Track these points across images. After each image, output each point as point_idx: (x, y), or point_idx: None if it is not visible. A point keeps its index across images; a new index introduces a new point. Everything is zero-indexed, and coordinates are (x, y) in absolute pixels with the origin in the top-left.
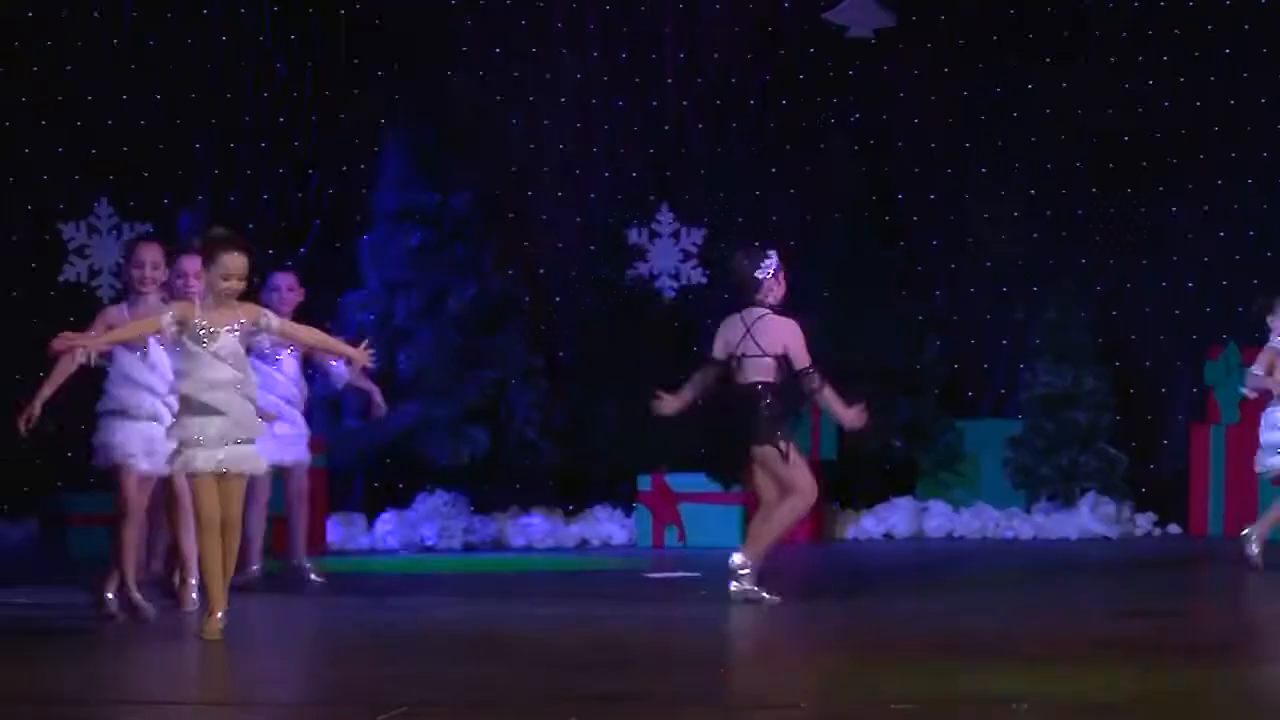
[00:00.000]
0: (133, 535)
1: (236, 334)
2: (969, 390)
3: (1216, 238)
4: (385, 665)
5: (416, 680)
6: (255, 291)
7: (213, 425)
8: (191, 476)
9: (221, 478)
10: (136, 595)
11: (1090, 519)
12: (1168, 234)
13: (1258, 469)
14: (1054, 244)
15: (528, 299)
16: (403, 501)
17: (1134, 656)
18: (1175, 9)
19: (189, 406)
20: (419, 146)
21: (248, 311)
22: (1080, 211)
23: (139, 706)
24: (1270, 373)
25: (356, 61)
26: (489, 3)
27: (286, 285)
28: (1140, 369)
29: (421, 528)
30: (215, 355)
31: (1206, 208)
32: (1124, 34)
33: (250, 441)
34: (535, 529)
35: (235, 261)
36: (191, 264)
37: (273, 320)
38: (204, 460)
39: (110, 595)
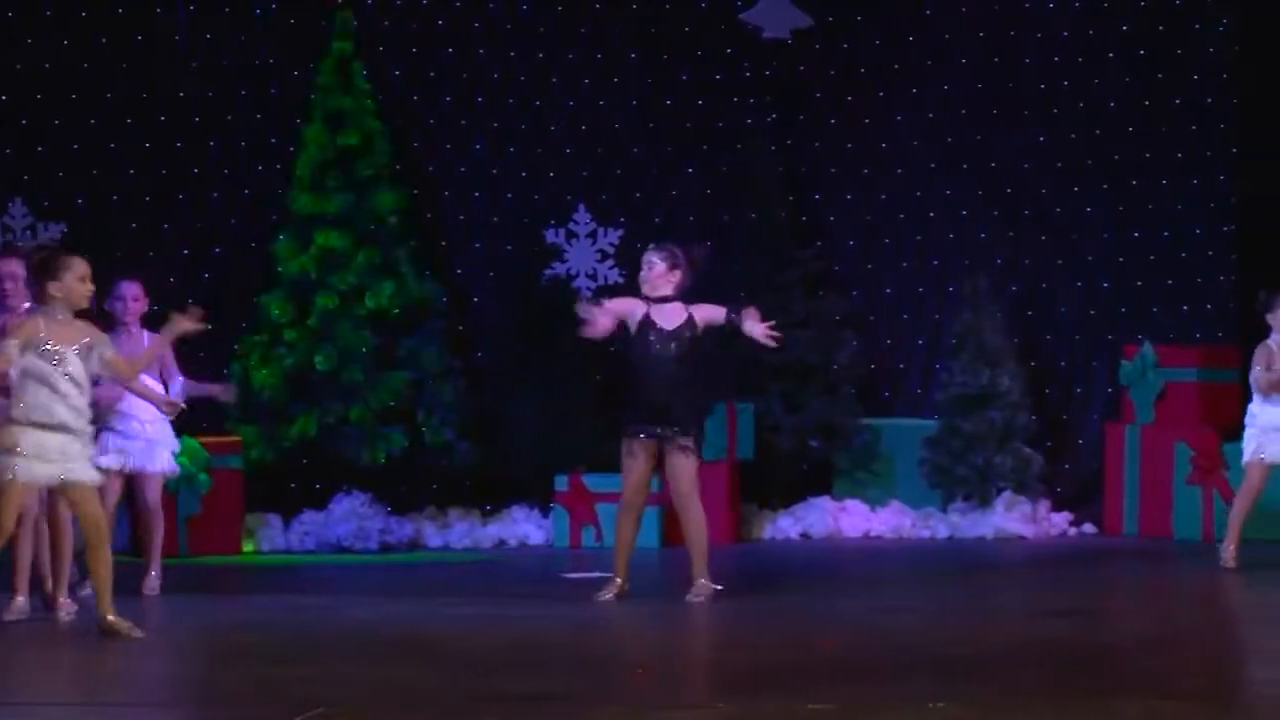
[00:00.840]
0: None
1: (79, 354)
2: (885, 390)
3: (1131, 238)
4: (303, 666)
5: (334, 681)
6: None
7: (53, 439)
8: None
9: (64, 488)
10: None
11: (1006, 518)
12: (1083, 234)
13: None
14: (969, 244)
15: (445, 299)
16: (319, 502)
17: (1051, 655)
18: (1089, 8)
19: (30, 422)
20: (335, 145)
21: (90, 333)
22: (995, 212)
23: (48, 708)
24: (1269, 369)
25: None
26: (405, 2)
27: (132, 295)
28: (1055, 369)
29: (338, 529)
30: (65, 377)
31: (1121, 208)
32: (1039, 35)
33: (85, 453)
34: (452, 529)
35: (86, 265)
36: (8, 266)
37: (107, 351)
38: (42, 472)
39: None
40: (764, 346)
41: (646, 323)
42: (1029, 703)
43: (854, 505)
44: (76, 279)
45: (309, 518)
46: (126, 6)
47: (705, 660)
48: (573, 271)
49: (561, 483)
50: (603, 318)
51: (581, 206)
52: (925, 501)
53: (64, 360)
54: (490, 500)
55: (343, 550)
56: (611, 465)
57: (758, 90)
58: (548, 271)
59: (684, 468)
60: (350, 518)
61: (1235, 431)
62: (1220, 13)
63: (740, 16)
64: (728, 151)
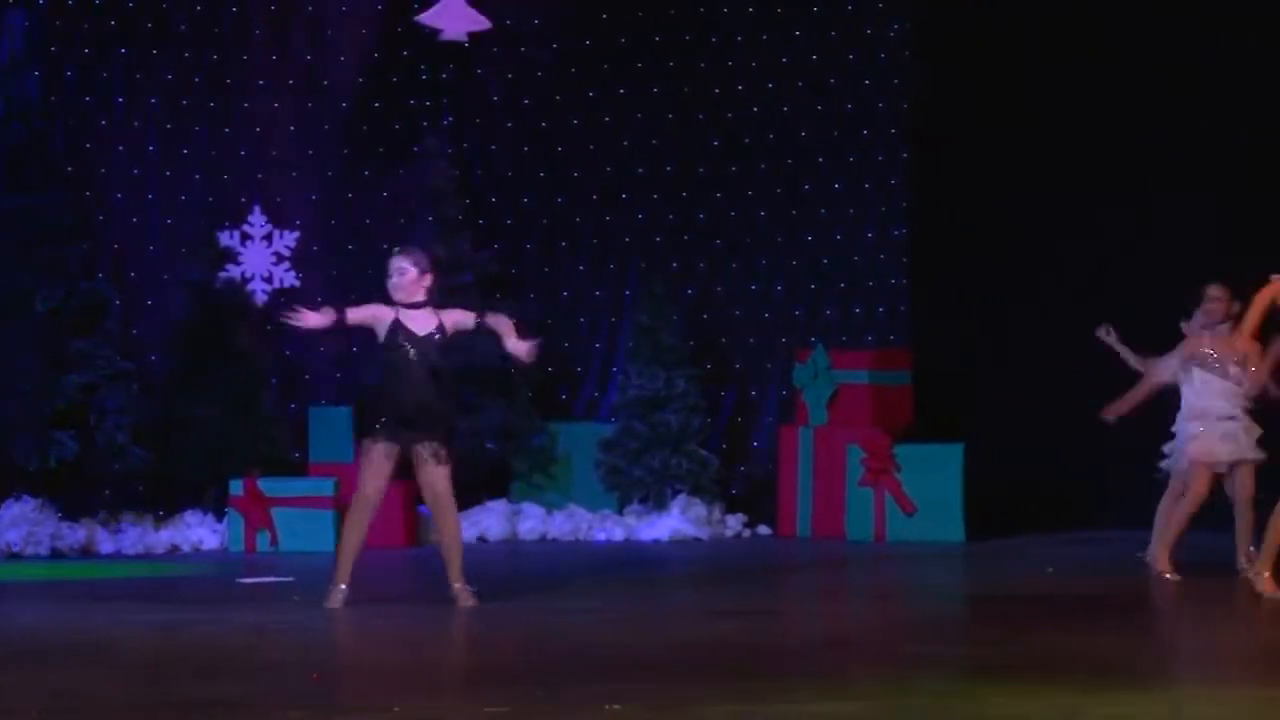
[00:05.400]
0: None
1: None
2: (562, 393)
3: (804, 241)
4: None
5: (5, 689)
6: None
7: None
8: None
9: None
10: None
11: (681, 520)
12: (756, 237)
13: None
14: (645, 248)
15: (118, 302)
16: None
17: (727, 656)
18: (763, 12)
19: None
20: (6, 146)
21: None
22: (671, 216)
23: None
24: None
25: None
26: (77, 2)
27: None
28: (730, 371)
29: (7, 534)
30: None
31: (794, 211)
32: (713, 39)
33: None
34: (125, 535)
35: None
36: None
37: None
38: None
39: None
40: (520, 361)
41: (397, 328)
42: (705, 703)
43: (531, 508)
44: None
45: None
46: None
47: (382, 663)
48: (248, 274)
49: (236, 487)
50: (312, 317)
51: (257, 209)
52: (601, 504)
53: None
54: (164, 505)
55: (13, 556)
56: (286, 469)
57: (434, 92)
58: (222, 274)
59: (439, 474)
60: (20, 523)
61: (906, 433)
62: (892, 18)
63: (417, 19)
64: (404, 154)
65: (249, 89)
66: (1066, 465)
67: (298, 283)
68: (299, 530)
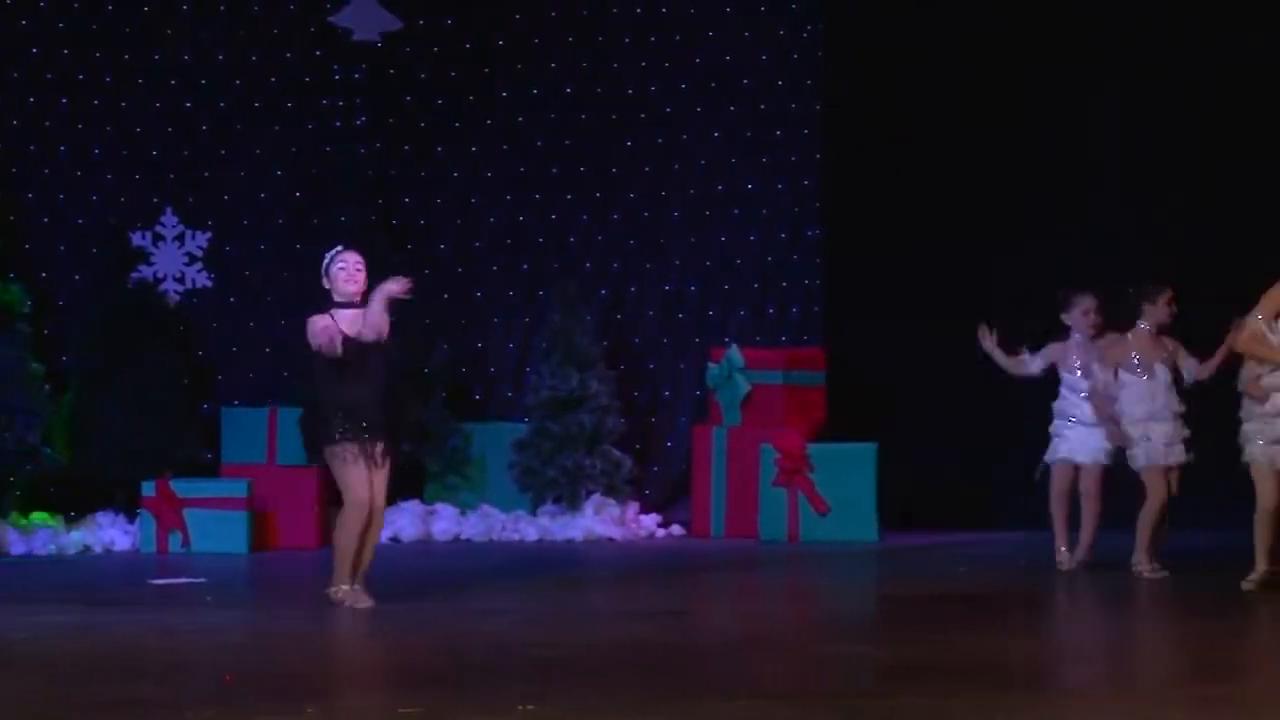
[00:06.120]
0: None
1: None
2: (476, 393)
3: (718, 242)
4: None
5: None
6: None
7: None
8: None
9: None
10: None
11: (595, 521)
12: (670, 238)
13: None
14: (559, 248)
15: (29, 302)
16: None
17: (642, 656)
18: (675, 13)
19: None
20: None
21: None
22: (585, 217)
23: None
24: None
25: None
26: None
27: None
28: (644, 372)
29: None
30: None
31: (708, 212)
32: (626, 39)
33: None
34: (36, 535)
35: None
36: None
37: None
38: None
39: None
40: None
41: (341, 331)
42: (620, 703)
43: (444, 509)
44: None
45: None
46: None
47: (296, 664)
48: (160, 275)
49: (148, 488)
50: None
51: (169, 209)
52: (515, 505)
53: None
54: (75, 506)
55: None
56: (196, 470)
57: (348, 92)
58: (134, 275)
59: (382, 475)
60: None
61: (820, 433)
62: (805, 20)
63: (330, 19)
64: (317, 154)
65: (161, 89)
66: (979, 465)
67: (210, 283)
68: (211, 531)
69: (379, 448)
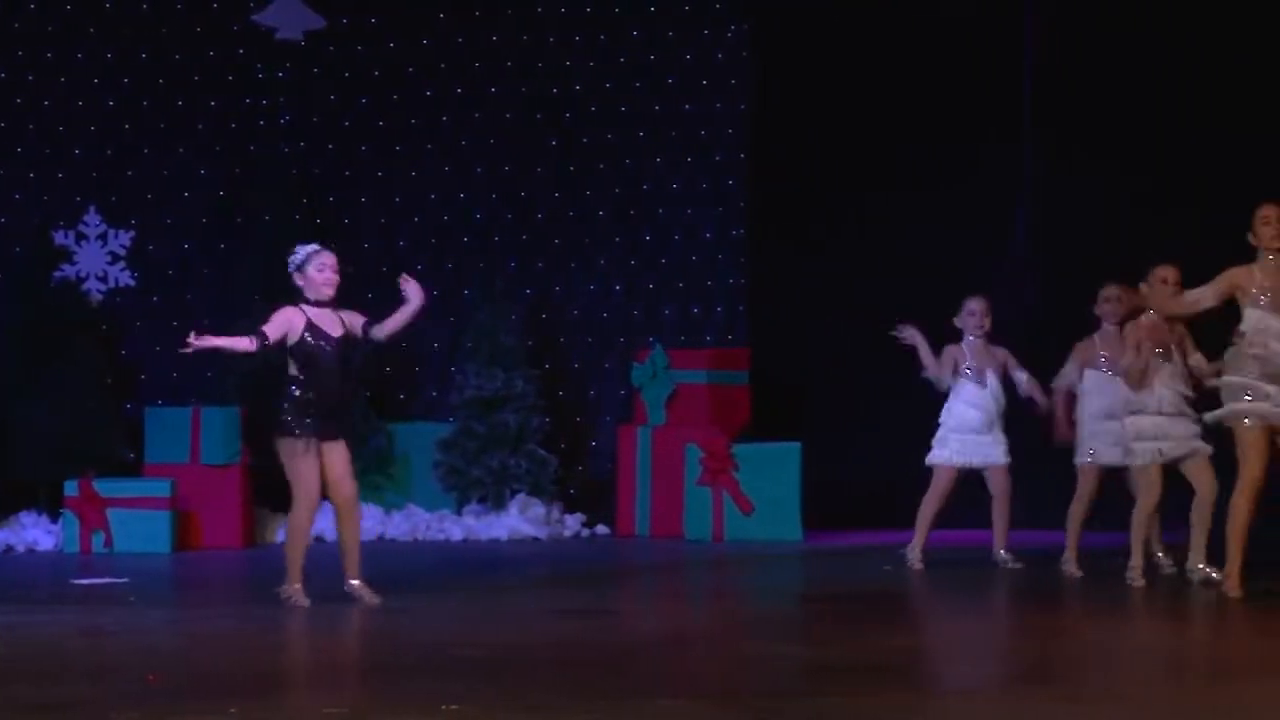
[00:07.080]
0: None
1: None
2: (401, 393)
3: (643, 241)
4: None
5: None
6: None
7: None
8: None
9: None
10: None
11: (520, 520)
12: (595, 237)
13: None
14: (484, 247)
15: None
16: None
17: (567, 656)
18: (600, 12)
19: None
20: None
21: None
22: (510, 215)
23: None
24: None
25: None
26: None
27: None
28: (569, 371)
29: None
30: None
31: (633, 211)
32: (551, 38)
33: None
34: None
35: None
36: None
37: None
38: None
39: None
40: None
41: (311, 327)
42: (544, 703)
43: (369, 509)
44: None
45: None
46: None
47: (220, 664)
48: (83, 274)
49: (71, 488)
50: (221, 341)
51: (92, 208)
52: (440, 504)
53: None
54: None
55: None
56: (119, 470)
57: (271, 91)
58: (57, 273)
59: (349, 472)
60: None
61: (744, 433)
62: (730, 19)
63: (253, 18)
64: (241, 153)
65: (83, 88)
66: (903, 464)
67: (133, 282)
68: (134, 531)
69: (341, 444)
